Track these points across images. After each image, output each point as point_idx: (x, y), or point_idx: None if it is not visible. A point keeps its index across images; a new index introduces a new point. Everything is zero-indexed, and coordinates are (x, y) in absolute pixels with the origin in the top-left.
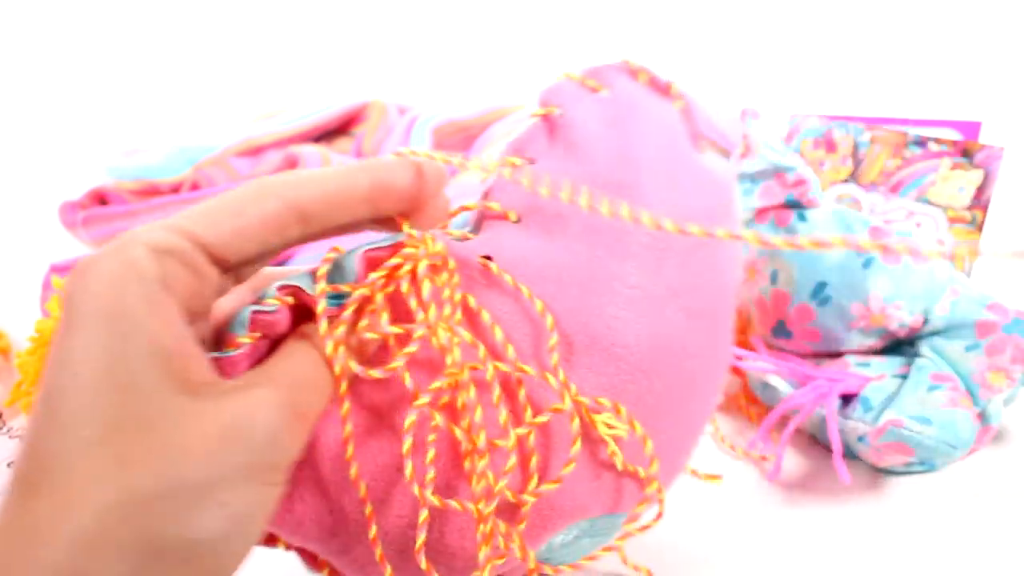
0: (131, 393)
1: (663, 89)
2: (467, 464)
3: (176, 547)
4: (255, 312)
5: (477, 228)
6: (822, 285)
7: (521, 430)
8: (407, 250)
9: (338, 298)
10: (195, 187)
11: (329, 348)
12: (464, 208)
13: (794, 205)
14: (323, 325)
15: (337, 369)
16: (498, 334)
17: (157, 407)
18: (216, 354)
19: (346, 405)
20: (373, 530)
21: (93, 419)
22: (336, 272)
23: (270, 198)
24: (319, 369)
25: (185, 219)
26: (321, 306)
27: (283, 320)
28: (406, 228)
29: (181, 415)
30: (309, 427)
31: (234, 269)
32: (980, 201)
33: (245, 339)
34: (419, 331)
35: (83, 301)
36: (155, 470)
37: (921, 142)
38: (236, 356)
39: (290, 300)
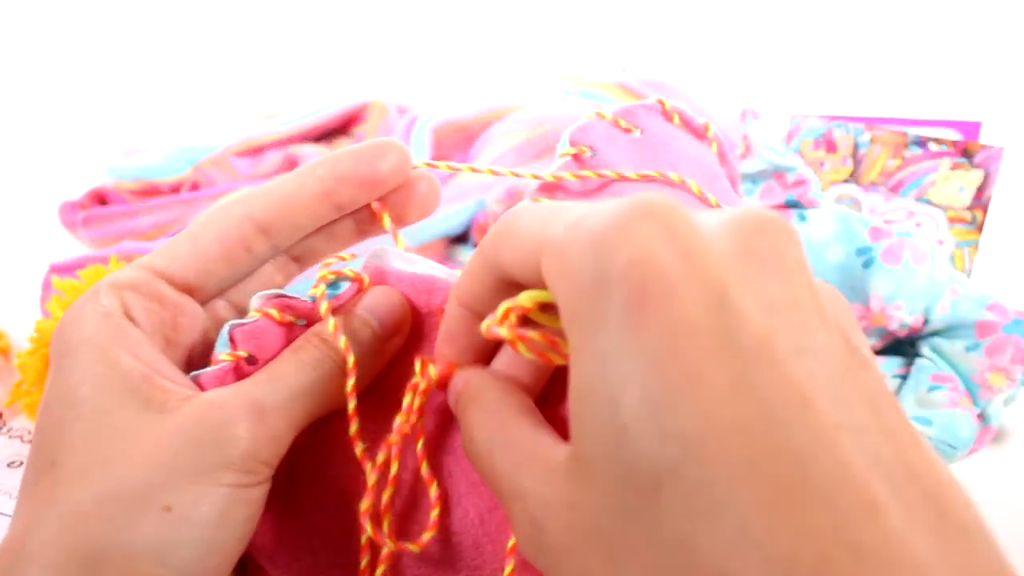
0: (85, 415)
1: (698, 131)
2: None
3: (116, 555)
4: (233, 326)
5: None
6: None
7: None
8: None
9: (335, 288)
10: (195, 187)
11: (330, 326)
12: None
13: (794, 205)
14: (323, 305)
15: (341, 343)
16: None
17: (109, 424)
18: (195, 372)
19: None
20: None
21: (55, 445)
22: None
23: (224, 217)
24: (299, 369)
25: (152, 254)
26: (320, 288)
27: (266, 330)
28: (386, 221)
29: (138, 431)
30: (278, 423)
31: (215, 293)
32: (980, 201)
33: (224, 357)
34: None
35: (56, 345)
36: (93, 481)
37: (921, 142)
38: (213, 372)
39: (273, 312)
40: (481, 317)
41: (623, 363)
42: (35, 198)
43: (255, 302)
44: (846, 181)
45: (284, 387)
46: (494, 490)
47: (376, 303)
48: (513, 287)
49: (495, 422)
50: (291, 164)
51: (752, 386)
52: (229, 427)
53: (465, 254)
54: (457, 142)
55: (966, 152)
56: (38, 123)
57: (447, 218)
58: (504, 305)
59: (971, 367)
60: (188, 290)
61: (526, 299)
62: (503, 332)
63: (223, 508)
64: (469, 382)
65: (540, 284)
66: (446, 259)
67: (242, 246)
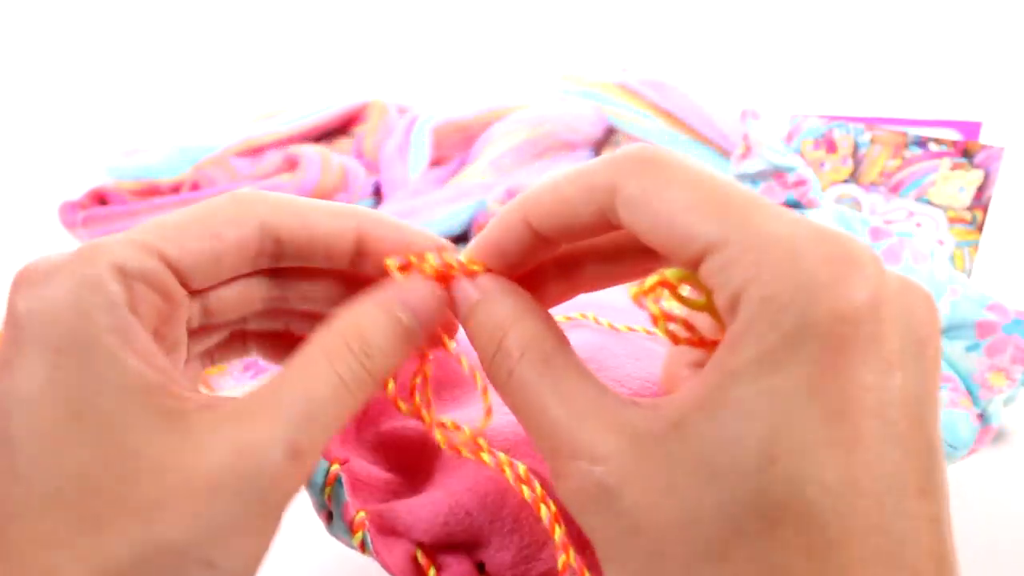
0: (103, 437)
1: None
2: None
3: None
4: None
5: None
6: None
7: None
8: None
9: None
10: (195, 187)
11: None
12: None
13: (794, 205)
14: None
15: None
16: None
17: (133, 452)
18: None
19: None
20: None
21: (57, 470)
22: None
23: (250, 220)
24: (336, 391)
25: (156, 234)
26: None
27: None
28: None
29: (163, 458)
30: (311, 463)
31: (200, 294)
32: (980, 201)
33: None
34: None
35: (38, 326)
36: (129, 534)
37: (921, 142)
38: None
39: None
40: (543, 239)
41: (796, 403)
42: (35, 198)
43: None
44: (846, 181)
45: (321, 423)
46: (534, 436)
47: (408, 294)
48: (605, 227)
49: (544, 356)
50: (291, 164)
51: (883, 462)
52: (269, 477)
53: None
54: (457, 142)
55: (966, 152)
56: (38, 123)
57: (447, 218)
58: (654, 278)
59: (971, 367)
60: (185, 284)
61: (673, 276)
62: (651, 307)
63: (255, 555)
64: (517, 299)
65: (672, 249)
66: None
67: (253, 257)
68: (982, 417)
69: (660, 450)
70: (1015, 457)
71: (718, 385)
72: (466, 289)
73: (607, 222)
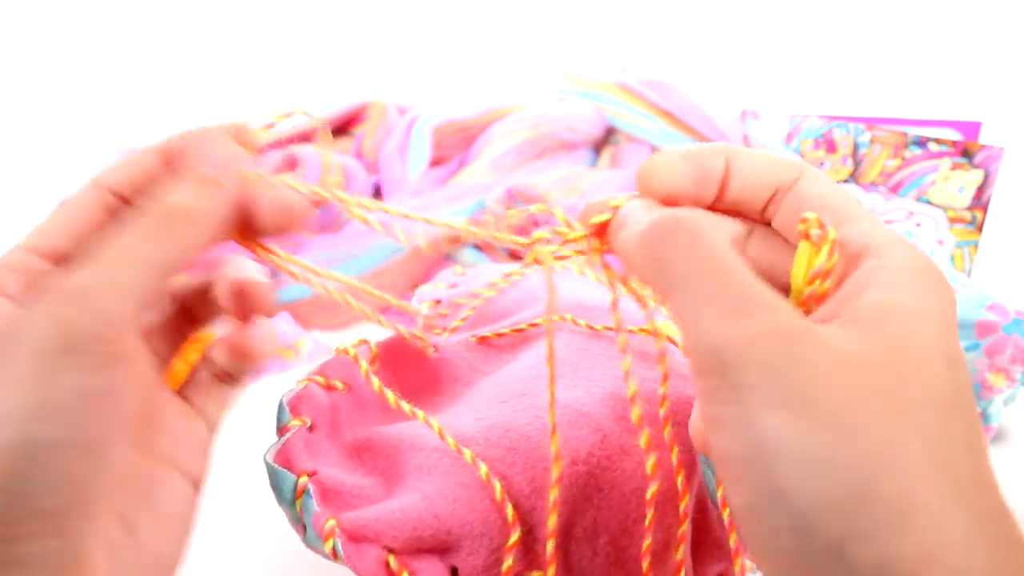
0: None
1: None
2: None
3: None
4: (287, 398)
5: None
6: None
7: None
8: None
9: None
10: None
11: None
12: None
13: None
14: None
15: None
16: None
17: None
18: (272, 447)
19: None
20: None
21: None
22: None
23: (87, 190)
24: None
25: (24, 236)
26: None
27: (319, 395)
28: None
29: None
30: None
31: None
32: (980, 201)
33: (295, 422)
34: None
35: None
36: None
37: (921, 142)
38: (293, 440)
39: (319, 379)
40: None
41: (945, 321)
42: (35, 198)
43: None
44: (846, 181)
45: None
46: (713, 286)
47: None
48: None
49: (718, 254)
50: (291, 164)
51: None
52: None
53: (466, 253)
54: (457, 142)
55: (966, 152)
56: (38, 123)
57: (447, 217)
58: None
59: (971, 367)
60: (64, 259)
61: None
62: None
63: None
64: (680, 215)
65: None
66: (447, 258)
67: (105, 211)
68: (982, 417)
69: (849, 325)
70: (1015, 457)
71: (885, 294)
72: (659, 220)
73: (753, 206)
